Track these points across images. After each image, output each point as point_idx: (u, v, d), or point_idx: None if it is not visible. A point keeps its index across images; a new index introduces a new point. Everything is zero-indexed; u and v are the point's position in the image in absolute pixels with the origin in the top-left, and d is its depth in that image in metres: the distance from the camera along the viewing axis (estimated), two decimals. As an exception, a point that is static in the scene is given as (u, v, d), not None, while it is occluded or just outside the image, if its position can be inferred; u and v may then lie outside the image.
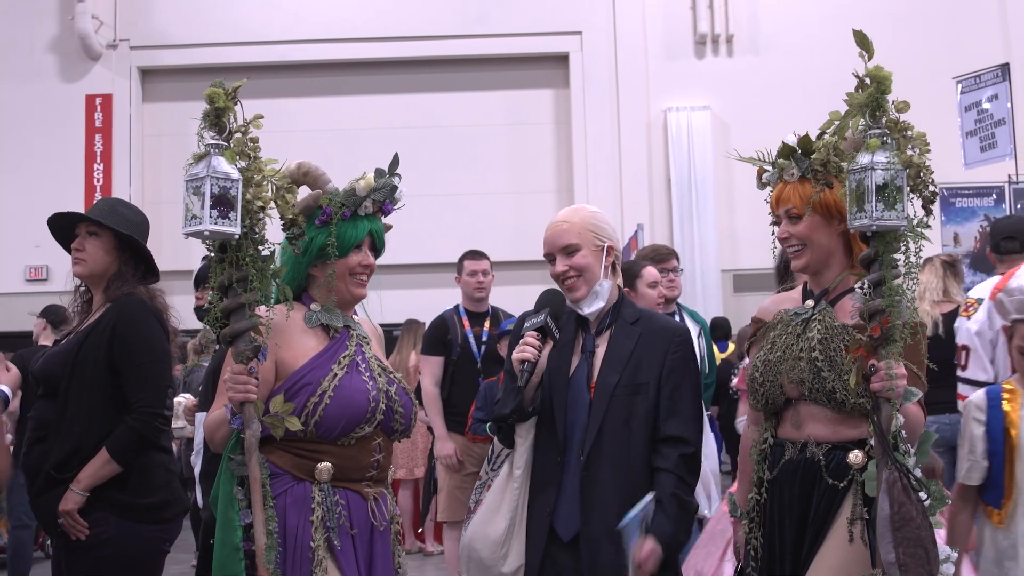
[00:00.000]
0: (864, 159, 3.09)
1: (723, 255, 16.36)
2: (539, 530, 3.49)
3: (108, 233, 4.26)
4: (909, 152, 3.11)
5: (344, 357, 3.47)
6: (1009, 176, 13.04)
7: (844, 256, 3.50)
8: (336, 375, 3.41)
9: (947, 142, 13.51)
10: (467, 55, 17.05)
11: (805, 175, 3.43)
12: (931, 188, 3.17)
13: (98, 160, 16.75)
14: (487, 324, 7.63)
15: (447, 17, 16.89)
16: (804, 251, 3.49)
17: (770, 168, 3.55)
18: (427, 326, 8.10)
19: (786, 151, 3.49)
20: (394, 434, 3.57)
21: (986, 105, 13.08)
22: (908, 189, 3.13)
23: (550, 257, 3.65)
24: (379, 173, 3.60)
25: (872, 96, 3.12)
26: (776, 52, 16.56)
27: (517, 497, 3.52)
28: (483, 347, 7.44)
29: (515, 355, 3.50)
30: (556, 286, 3.71)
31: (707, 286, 16.26)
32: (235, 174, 3.18)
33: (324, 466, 3.36)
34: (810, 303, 3.50)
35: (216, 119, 3.22)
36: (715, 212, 16.29)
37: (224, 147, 3.20)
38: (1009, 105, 12.86)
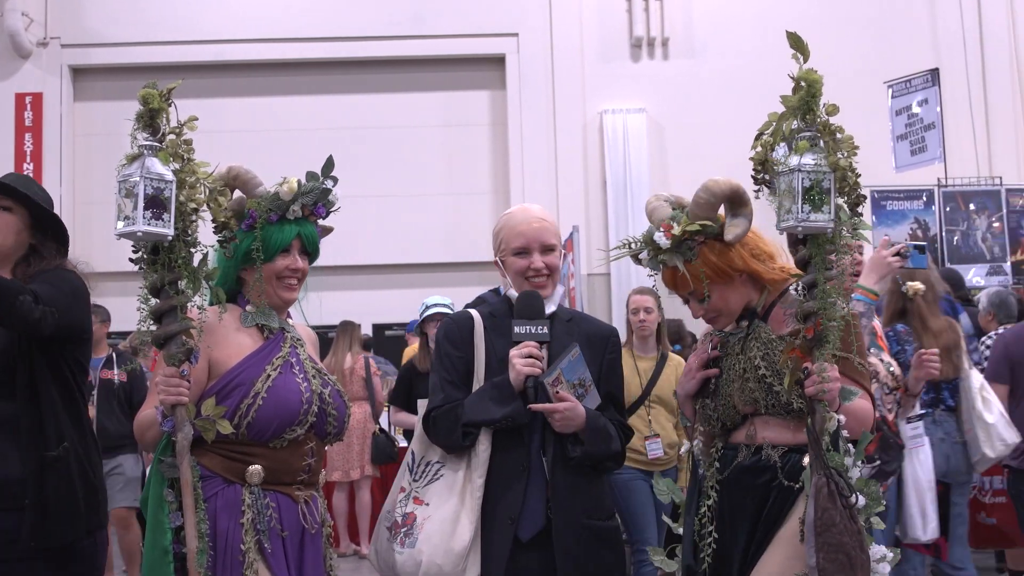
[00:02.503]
0: (792, 161, 3.12)
1: (658, 257, 16.36)
2: (503, 537, 3.45)
3: (23, 209, 3.85)
4: (837, 155, 3.14)
5: (278, 358, 3.46)
6: (939, 179, 13.24)
7: (758, 288, 3.55)
8: (269, 375, 3.39)
9: (878, 145, 13.73)
10: (403, 56, 17.00)
11: (689, 260, 3.46)
12: (858, 191, 3.20)
13: (28, 160, 16.51)
14: None
15: (383, 18, 16.82)
16: (720, 317, 3.56)
17: (646, 255, 3.56)
18: None
19: (664, 250, 3.50)
20: (327, 437, 3.56)
21: (916, 109, 13.28)
22: (835, 191, 3.15)
23: (524, 250, 3.62)
24: (311, 176, 3.57)
25: (803, 99, 3.14)
26: (711, 55, 16.68)
27: (480, 505, 3.46)
28: None
29: (524, 368, 3.43)
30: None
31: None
32: (169, 175, 3.15)
33: (255, 468, 3.34)
34: (744, 323, 3.55)
35: (150, 120, 3.20)
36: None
37: (158, 148, 3.17)
38: (939, 109, 13.08)
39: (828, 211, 3.10)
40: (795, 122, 3.18)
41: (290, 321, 3.66)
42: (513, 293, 3.65)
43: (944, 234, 12.90)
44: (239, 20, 16.72)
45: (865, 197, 3.24)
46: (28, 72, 16.68)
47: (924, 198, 13.23)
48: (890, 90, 13.58)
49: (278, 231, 3.49)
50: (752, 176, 3.31)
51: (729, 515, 3.45)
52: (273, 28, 16.68)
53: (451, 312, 5.94)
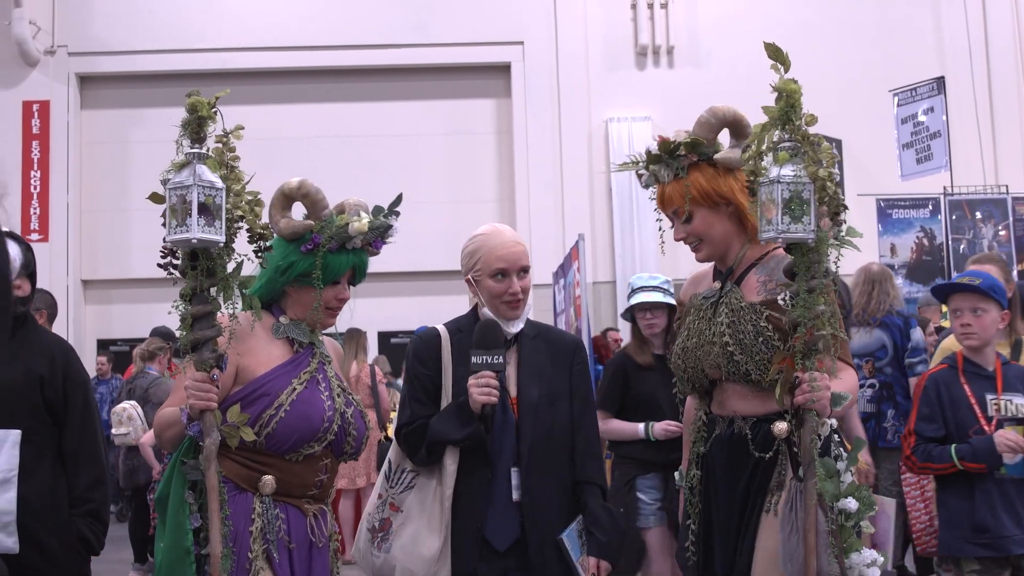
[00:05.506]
0: (772, 173, 3.14)
1: (664, 265, 16.34)
2: (470, 544, 3.56)
3: None
4: (816, 166, 3.14)
5: (305, 372, 3.48)
6: (944, 188, 13.20)
7: (741, 233, 3.56)
8: (295, 389, 3.41)
9: (884, 154, 13.74)
10: (408, 64, 17.01)
11: (678, 175, 3.51)
12: (839, 201, 3.22)
13: (35, 167, 16.54)
14: None
15: (388, 26, 16.84)
16: (702, 245, 3.57)
17: (645, 172, 3.62)
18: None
19: (654, 158, 3.57)
20: (343, 456, 3.58)
21: (922, 118, 13.25)
22: (815, 202, 3.16)
23: (503, 273, 3.67)
24: (377, 210, 3.60)
25: (782, 109, 3.16)
26: (715, 64, 16.68)
27: (449, 513, 3.57)
28: None
29: (480, 397, 3.48)
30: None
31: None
32: (219, 183, 3.18)
33: (268, 479, 3.37)
34: (717, 284, 3.57)
35: (197, 128, 3.22)
36: (656, 221, 16.05)
37: (206, 156, 3.20)
38: (944, 118, 13.05)
39: (808, 221, 3.12)
40: (776, 133, 3.20)
41: (321, 337, 3.68)
42: (486, 312, 3.71)
43: (950, 242, 12.87)
44: (245, 29, 16.76)
45: (846, 206, 3.26)
46: (35, 80, 16.72)
47: (930, 206, 13.20)
48: (896, 98, 13.54)
49: (335, 259, 3.51)
50: (748, 188, 3.34)
51: (712, 490, 3.52)
52: (279, 36, 16.71)
53: (660, 297, 5.73)
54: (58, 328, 16.60)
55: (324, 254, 3.47)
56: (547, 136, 16.85)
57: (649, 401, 5.70)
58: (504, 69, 17.11)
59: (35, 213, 16.69)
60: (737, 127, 3.49)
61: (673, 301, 5.65)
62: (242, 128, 3.30)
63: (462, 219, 16.13)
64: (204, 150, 3.22)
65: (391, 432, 10.33)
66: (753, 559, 3.33)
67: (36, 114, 16.61)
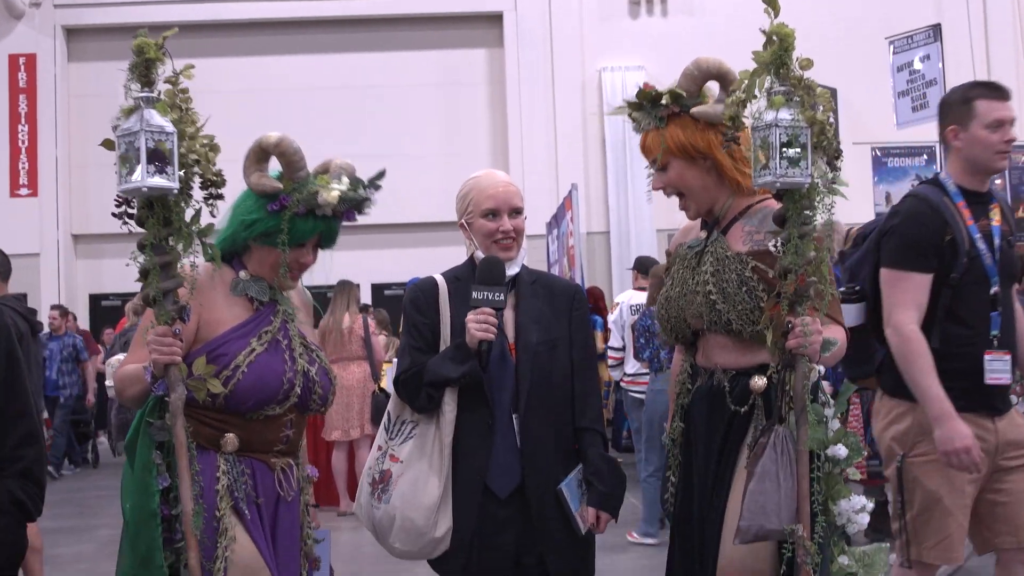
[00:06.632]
0: (768, 116, 3.07)
1: (658, 215, 16.42)
2: (471, 491, 3.55)
3: None
4: (813, 110, 3.09)
5: (266, 332, 3.37)
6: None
7: (724, 185, 3.51)
8: (254, 350, 3.31)
9: (879, 102, 13.64)
10: (398, 14, 16.91)
11: (658, 124, 3.49)
12: (835, 145, 3.17)
13: (23, 121, 16.47)
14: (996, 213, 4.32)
15: (379, -26, 16.73)
16: (687, 201, 3.55)
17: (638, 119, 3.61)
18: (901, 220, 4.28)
19: (635, 105, 3.55)
20: (309, 411, 3.51)
21: (918, 66, 13.11)
22: (812, 146, 3.12)
23: (494, 213, 3.66)
24: (356, 183, 3.45)
25: (776, 54, 3.09)
26: (709, 12, 16.58)
27: (449, 461, 3.56)
28: (998, 252, 4.25)
29: (478, 333, 3.47)
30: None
31: (642, 245, 16.24)
32: (169, 127, 3.02)
33: (230, 437, 3.29)
34: (704, 234, 3.55)
35: (145, 71, 3.07)
36: (649, 172, 16.09)
37: (155, 99, 3.05)
38: (940, 65, 12.91)
39: (806, 166, 3.08)
40: (768, 78, 3.14)
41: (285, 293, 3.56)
42: (480, 255, 3.69)
43: (945, 191, 12.78)
44: (233, -22, 16.61)
45: (842, 152, 3.20)
46: (21, 33, 16.59)
47: (926, 155, 13.12)
48: (891, 46, 13.39)
49: (301, 224, 3.36)
50: (723, 133, 3.29)
51: (693, 442, 3.51)
52: (267, -14, 16.58)
53: None
54: (49, 284, 16.81)
55: (290, 217, 3.34)
56: (540, 86, 16.79)
57: None
58: (496, 18, 17.00)
59: (24, 168, 16.66)
60: (724, 80, 3.43)
61: None
62: (192, 67, 3.13)
63: (454, 171, 15.97)
64: (155, 94, 3.07)
65: (385, 384, 10.42)
66: (726, 513, 3.31)
67: (22, 67, 16.54)
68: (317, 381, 3.44)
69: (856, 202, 3.72)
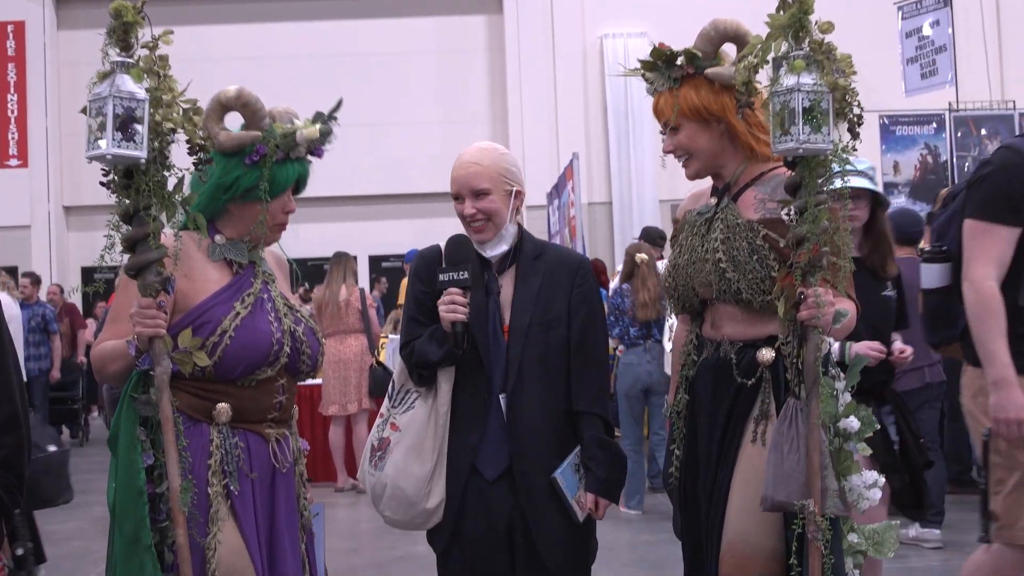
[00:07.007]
0: (789, 81, 2.99)
1: (661, 185, 16.34)
2: (461, 468, 3.55)
3: None
4: (835, 75, 3.01)
5: (248, 295, 3.32)
6: (949, 104, 13.00)
7: (736, 151, 3.46)
8: (239, 314, 3.26)
9: (887, 69, 13.40)
10: (396, -21, 16.78)
11: (672, 85, 3.43)
12: (856, 111, 3.08)
13: (11, 90, 16.41)
14: None
15: (375, -61, 16.59)
16: (691, 160, 3.47)
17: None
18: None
19: (649, 65, 3.47)
20: (299, 375, 3.46)
21: (927, 32, 12.96)
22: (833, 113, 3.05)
23: (458, 197, 3.62)
24: (318, 117, 3.43)
25: (794, 17, 3.00)
26: (713, -23, 16.37)
27: (443, 435, 3.56)
28: None
29: (447, 316, 3.47)
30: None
31: (644, 216, 16.21)
32: (141, 94, 2.97)
33: (223, 407, 3.22)
34: (714, 201, 3.48)
35: (123, 35, 3.00)
36: (653, 141, 16.14)
37: (130, 65, 2.99)
38: (950, 31, 12.75)
39: (827, 132, 3.00)
40: (784, 43, 3.05)
41: (261, 253, 3.50)
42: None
43: (955, 160, 12.69)
44: (226, -57, 16.45)
45: (862, 117, 3.11)
46: (9, 0, 16.42)
47: (935, 123, 13.03)
48: (900, 12, 13.25)
49: (281, 170, 3.34)
50: (736, 98, 3.22)
51: (697, 415, 3.46)
52: (260, -49, 16.44)
53: (864, 182, 4.83)
54: (40, 256, 16.64)
55: (272, 165, 3.30)
56: (540, 53, 16.67)
57: None
58: (495, -17, 16.88)
59: (13, 138, 16.56)
60: (741, 42, 3.35)
61: (879, 188, 5.13)
62: (171, 32, 3.06)
63: (454, 140, 15.85)
64: (133, 59, 3.01)
65: (383, 357, 10.32)
66: (731, 488, 3.26)
67: (11, 35, 16.41)
68: (304, 341, 3.39)
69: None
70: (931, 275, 4.21)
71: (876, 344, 4.68)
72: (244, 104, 3.28)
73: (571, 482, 3.54)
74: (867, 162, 4.99)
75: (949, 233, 4.15)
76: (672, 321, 8.01)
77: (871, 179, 4.90)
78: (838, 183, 3.12)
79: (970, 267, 3.87)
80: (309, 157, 3.45)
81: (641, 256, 8.60)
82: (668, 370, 7.77)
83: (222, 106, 3.27)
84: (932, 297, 4.31)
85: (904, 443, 4.73)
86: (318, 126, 3.37)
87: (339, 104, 3.49)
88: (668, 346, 8.01)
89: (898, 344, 4.84)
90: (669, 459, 3.57)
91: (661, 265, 8.64)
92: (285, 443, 3.40)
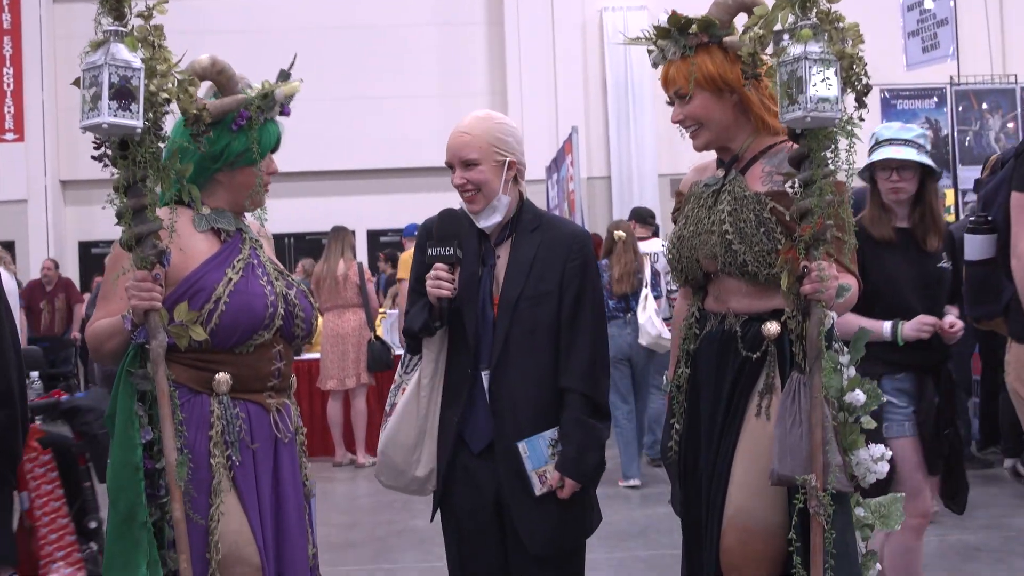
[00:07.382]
0: (796, 50, 2.96)
1: (661, 159, 16.32)
2: (448, 439, 3.59)
3: None
4: (842, 44, 2.99)
5: (239, 260, 3.33)
6: (951, 77, 12.95)
7: (747, 123, 3.43)
8: (231, 279, 3.26)
9: (888, 43, 13.32)
10: (395, -48, 16.69)
11: (686, 53, 3.38)
12: (865, 81, 3.05)
13: (7, 64, 16.32)
14: None
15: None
16: (701, 131, 3.43)
17: (655, 48, 3.49)
18: None
19: (662, 32, 3.43)
20: (295, 340, 3.46)
21: (929, 4, 12.91)
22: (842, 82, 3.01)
23: (448, 165, 3.65)
24: (283, 75, 3.44)
25: None
26: (713, -51, 16.31)
27: (426, 406, 3.61)
28: None
29: (432, 290, 3.50)
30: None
31: (644, 190, 16.21)
32: (136, 63, 2.95)
33: (222, 377, 3.23)
34: (721, 173, 3.46)
35: (116, 3, 2.98)
36: (653, 115, 16.20)
37: (124, 33, 2.97)
38: (952, 4, 12.69)
39: (836, 101, 2.96)
40: (791, 14, 3.02)
41: (245, 220, 3.52)
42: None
43: (956, 134, 12.64)
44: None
45: (870, 87, 3.09)
46: (4, -29, 16.39)
47: (936, 97, 12.98)
48: (901, -16, 13.19)
49: (264, 132, 3.36)
50: (742, 70, 3.17)
51: (699, 388, 3.44)
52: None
53: (912, 154, 4.64)
54: (37, 231, 16.57)
55: (259, 127, 3.34)
56: (540, 26, 16.57)
57: (890, 286, 4.66)
58: (494, -45, 16.80)
59: (9, 112, 16.52)
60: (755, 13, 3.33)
61: (929, 161, 4.74)
62: (166, 1, 3.04)
63: (452, 113, 15.74)
64: (127, 28, 2.99)
65: (381, 332, 10.32)
66: (734, 462, 3.26)
67: (6, 8, 16.30)
68: (297, 304, 3.41)
69: (863, 147, 3.62)
70: (975, 246, 4.12)
71: (929, 319, 4.50)
72: (219, 71, 3.29)
73: (539, 455, 3.53)
74: (916, 128, 4.79)
75: (996, 201, 4.06)
76: (646, 291, 8.95)
77: (920, 147, 4.62)
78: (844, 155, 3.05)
79: (1019, 241, 3.79)
80: (278, 118, 3.46)
81: (619, 233, 9.10)
82: (641, 340, 8.81)
83: (198, 76, 3.25)
84: (976, 269, 4.20)
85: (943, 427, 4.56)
86: (296, 81, 3.38)
87: (294, 59, 3.50)
88: (642, 317, 8.81)
89: (949, 318, 4.58)
90: (668, 433, 3.54)
91: (646, 245, 9.40)
92: (286, 412, 3.42)
